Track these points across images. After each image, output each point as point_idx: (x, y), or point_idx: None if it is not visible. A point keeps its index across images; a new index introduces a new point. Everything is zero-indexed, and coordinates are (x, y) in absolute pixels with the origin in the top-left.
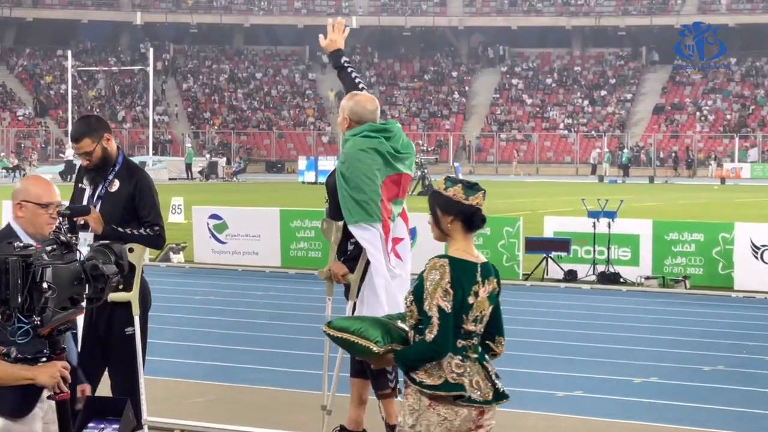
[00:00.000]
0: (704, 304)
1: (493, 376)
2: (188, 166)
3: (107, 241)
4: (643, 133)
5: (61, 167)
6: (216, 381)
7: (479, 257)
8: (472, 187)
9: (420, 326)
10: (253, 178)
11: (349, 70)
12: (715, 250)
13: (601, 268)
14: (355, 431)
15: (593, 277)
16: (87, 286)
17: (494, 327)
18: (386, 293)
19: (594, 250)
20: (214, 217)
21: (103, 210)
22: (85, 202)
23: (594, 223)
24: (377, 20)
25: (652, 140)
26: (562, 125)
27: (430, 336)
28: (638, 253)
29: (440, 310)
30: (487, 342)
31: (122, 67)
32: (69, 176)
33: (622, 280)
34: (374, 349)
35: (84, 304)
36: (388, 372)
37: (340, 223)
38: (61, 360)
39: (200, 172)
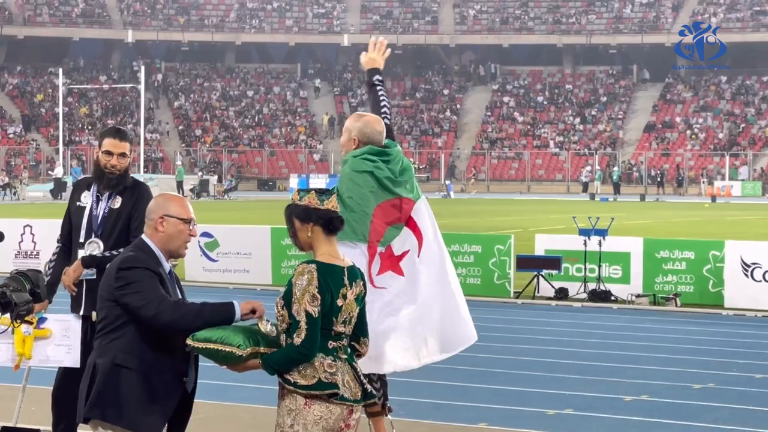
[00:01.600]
0: (695, 321)
1: (362, 377)
2: (179, 184)
3: (26, 269)
4: (635, 151)
5: (51, 185)
6: (206, 399)
7: (345, 261)
8: (324, 193)
9: (290, 329)
10: (244, 195)
11: (379, 89)
12: (705, 268)
13: (592, 285)
14: None
15: (584, 295)
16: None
17: (359, 329)
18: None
19: (585, 268)
20: (205, 234)
21: (106, 228)
22: (85, 220)
23: (585, 240)
24: (369, 38)
25: (644, 158)
26: (553, 143)
27: (297, 340)
28: (629, 271)
29: (308, 314)
30: (352, 343)
31: (114, 85)
32: (60, 194)
33: (613, 297)
34: (237, 353)
35: None
36: (376, 389)
37: None
38: None
39: (191, 190)
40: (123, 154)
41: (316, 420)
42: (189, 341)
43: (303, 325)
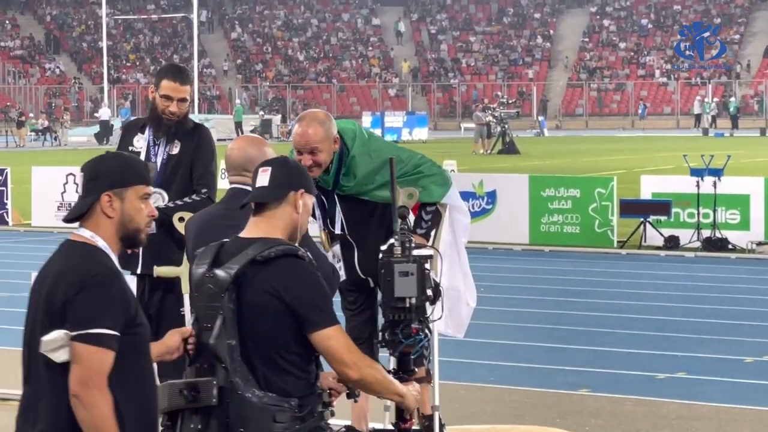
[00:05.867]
0: None
1: None
2: (238, 125)
3: None
4: (753, 79)
5: (96, 128)
6: None
7: None
8: None
9: None
10: None
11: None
12: None
13: (706, 233)
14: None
15: (698, 244)
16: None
17: None
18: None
19: (698, 213)
20: None
21: (166, 176)
22: None
23: (698, 182)
24: None
25: (764, 87)
26: (659, 72)
27: None
28: (748, 216)
29: None
30: None
31: (163, 15)
32: (106, 138)
33: (730, 246)
34: None
35: None
36: (425, 348)
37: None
38: (412, 383)
39: (252, 131)
40: (183, 99)
41: None
42: None
43: None
